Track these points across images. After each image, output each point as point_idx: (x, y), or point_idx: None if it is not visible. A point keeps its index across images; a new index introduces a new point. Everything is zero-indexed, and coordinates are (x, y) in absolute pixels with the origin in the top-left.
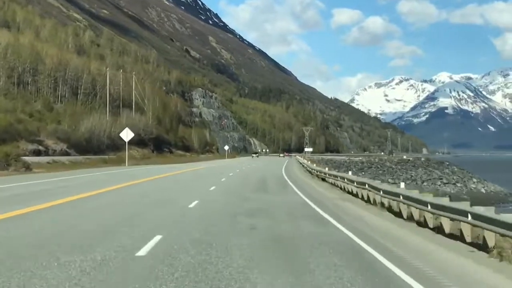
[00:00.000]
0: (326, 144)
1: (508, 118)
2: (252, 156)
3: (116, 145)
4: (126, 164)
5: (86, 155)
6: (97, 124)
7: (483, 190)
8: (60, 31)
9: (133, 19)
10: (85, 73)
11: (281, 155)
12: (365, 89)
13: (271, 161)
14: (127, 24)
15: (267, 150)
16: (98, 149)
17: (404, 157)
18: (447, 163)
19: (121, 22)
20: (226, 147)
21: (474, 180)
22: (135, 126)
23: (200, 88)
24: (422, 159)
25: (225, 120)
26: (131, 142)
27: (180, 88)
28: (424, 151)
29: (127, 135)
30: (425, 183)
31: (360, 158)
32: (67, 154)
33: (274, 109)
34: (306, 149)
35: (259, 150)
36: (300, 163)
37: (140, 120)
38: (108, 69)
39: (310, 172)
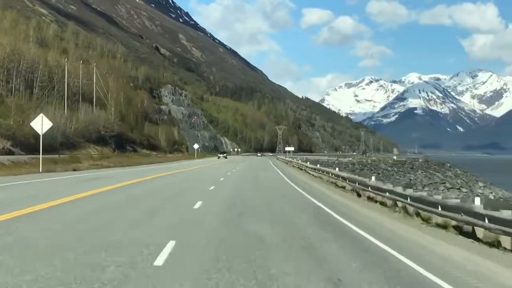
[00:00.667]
0: (299, 144)
1: (476, 119)
2: (218, 157)
3: (73, 143)
4: (40, 169)
5: (34, 154)
6: (50, 120)
7: (491, 196)
8: (21, 24)
9: (102, 16)
10: (41, 64)
11: (259, 154)
12: (336, 89)
13: (255, 163)
14: (95, 21)
15: (239, 150)
16: (51, 147)
17: (394, 157)
18: (449, 165)
19: (89, 18)
20: (196, 146)
21: (480, 184)
22: (95, 123)
23: (169, 85)
24: (420, 160)
25: (195, 117)
26: (89, 140)
27: (148, 85)
28: (395, 151)
29: (41, 124)
30: (426, 188)
31: (350, 159)
32: (11, 153)
33: (246, 108)
34: (287, 148)
35: (230, 150)
36: (299, 168)
37: (100, 116)
38: (66, 60)
39: (356, 192)
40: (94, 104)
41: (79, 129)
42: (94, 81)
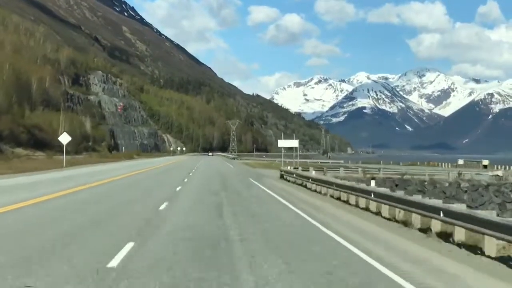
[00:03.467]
0: (253, 142)
1: (424, 118)
2: None
3: None
4: None
5: None
6: None
7: None
8: None
9: (34, 4)
10: None
11: (210, 154)
12: (285, 88)
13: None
14: (25, 7)
15: (184, 149)
16: None
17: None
18: None
19: (20, 4)
20: (65, 139)
21: None
22: None
23: (100, 72)
24: None
25: (121, 105)
26: None
27: (73, 70)
28: (349, 150)
29: None
30: None
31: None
32: None
33: (193, 101)
34: (286, 144)
35: (171, 148)
36: None
37: None
38: None
39: None
40: None
41: None
42: None
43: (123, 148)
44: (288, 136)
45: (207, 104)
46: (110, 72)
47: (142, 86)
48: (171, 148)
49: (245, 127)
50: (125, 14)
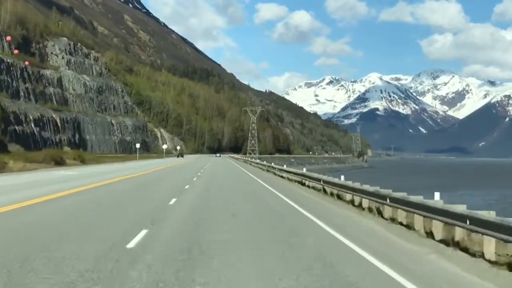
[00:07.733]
0: (274, 141)
1: (439, 120)
2: None
3: None
4: None
5: None
6: None
7: None
8: None
9: None
10: None
11: (217, 155)
12: (295, 88)
13: None
14: None
15: (182, 148)
16: None
17: None
18: None
19: None
20: None
21: None
22: None
23: (65, 39)
24: None
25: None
26: None
27: (21, 32)
28: (369, 152)
29: None
30: None
31: None
32: None
33: (197, 87)
34: None
35: (167, 147)
36: None
37: None
38: None
39: None
40: None
41: None
42: None
43: (92, 146)
44: (305, 136)
45: (216, 94)
46: (80, 41)
47: (131, 67)
48: (137, 146)
49: (263, 123)
50: (130, 5)
